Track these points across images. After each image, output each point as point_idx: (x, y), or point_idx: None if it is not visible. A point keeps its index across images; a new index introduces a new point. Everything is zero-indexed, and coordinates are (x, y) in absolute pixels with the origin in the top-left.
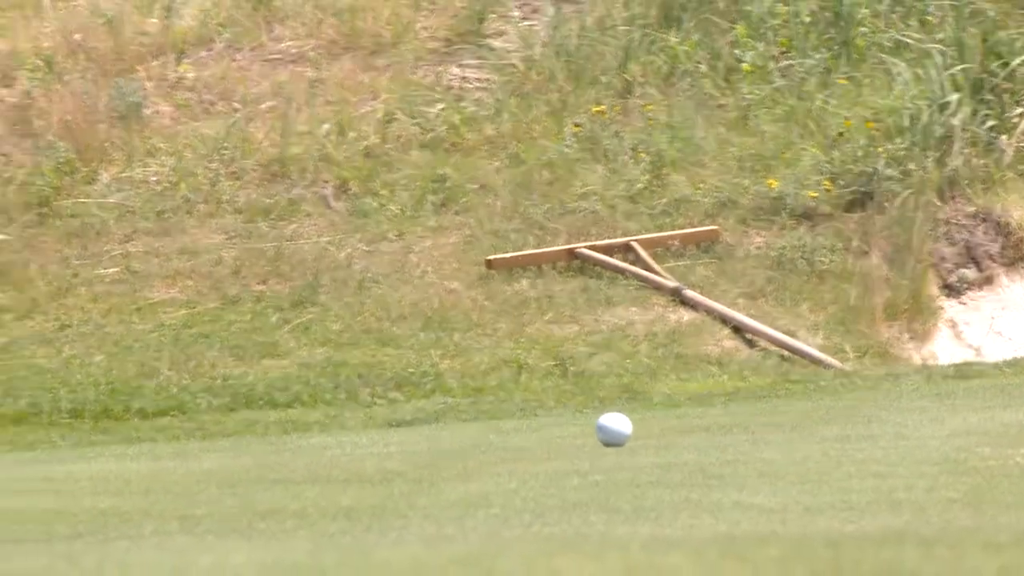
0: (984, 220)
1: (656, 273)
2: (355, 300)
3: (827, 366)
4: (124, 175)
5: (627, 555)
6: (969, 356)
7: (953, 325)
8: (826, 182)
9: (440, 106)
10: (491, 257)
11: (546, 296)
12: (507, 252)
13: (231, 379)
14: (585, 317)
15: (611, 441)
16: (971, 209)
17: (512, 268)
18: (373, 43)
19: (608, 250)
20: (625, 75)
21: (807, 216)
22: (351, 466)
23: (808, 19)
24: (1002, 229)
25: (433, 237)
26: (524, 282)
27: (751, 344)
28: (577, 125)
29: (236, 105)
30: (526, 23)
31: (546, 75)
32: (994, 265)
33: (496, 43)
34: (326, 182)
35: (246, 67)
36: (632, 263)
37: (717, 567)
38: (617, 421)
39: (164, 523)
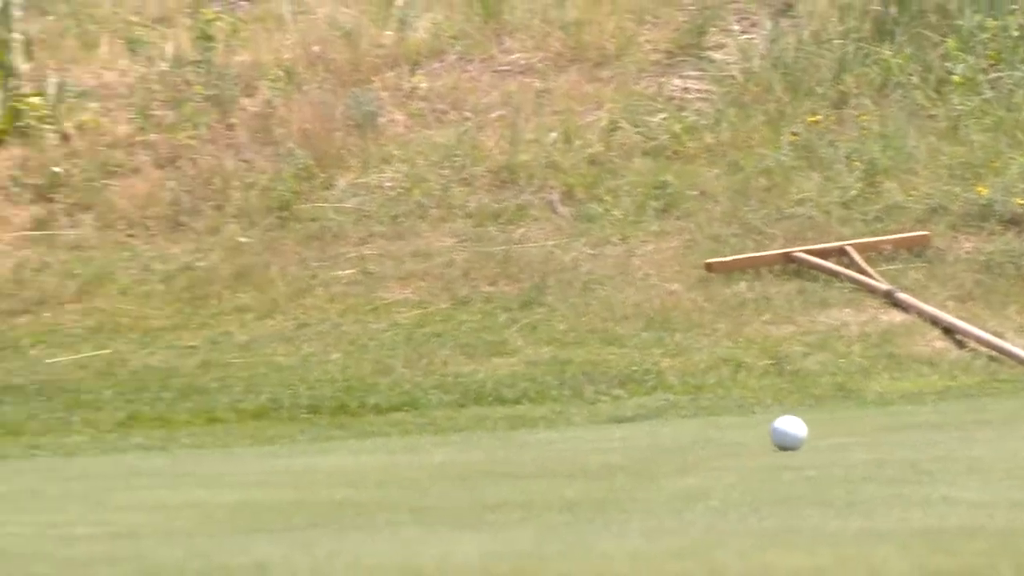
0: None
1: (869, 276)
2: (580, 301)
3: None
4: (360, 181)
5: (838, 548)
6: None
7: None
8: None
9: (662, 116)
10: (710, 260)
11: (763, 298)
12: (726, 256)
13: (461, 376)
14: (801, 318)
15: (786, 444)
16: None
17: (731, 271)
18: (598, 55)
19: (823, 254)
20: (840, 86)
21: (1015, 222)
22: (575, 460)
23: (1016, 33)
24: None
25: (655, 241)
26: (742, 284)
27: (961, 345)
28: (794, 134)
29: (467, 114)
30: (745, 37)
31: (764, 86)
32: None
33: (716, 55)
34: (552, 188)
35: (477, 78)
36: (846, 267)
37: (925, 560)
38: (792, 424)
39: (396, 514)
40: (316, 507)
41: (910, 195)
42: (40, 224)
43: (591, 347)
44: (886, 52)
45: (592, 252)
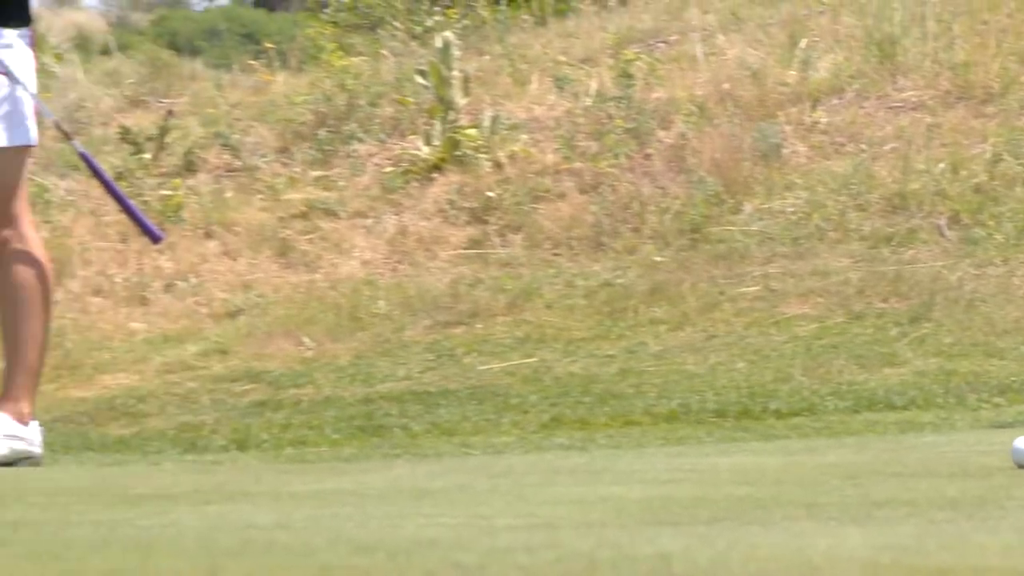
0: None
1: None
2: (964, 317)
3: None
4: (765, 206)
5: None
6: None
7: None
8: None
9: None
10: None
11: None
12: None
13: (855, 384)
14: None
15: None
16: None
17: None
18: (983, 93)
19: None
20: None
21: None
22: (958, 462)
23: None
24: None
25: None
26: None
27: None
28: None
29: (863, 146)
30: None
31: None
32: None
33: None
34: (940, 214)
35: (872, 113)
36: None
37: None
38: None
39: (792, 510)
40: (718, 502)
41: None
42: (474, 244)
43: (974, 359)
44: None
45: (976, 272)
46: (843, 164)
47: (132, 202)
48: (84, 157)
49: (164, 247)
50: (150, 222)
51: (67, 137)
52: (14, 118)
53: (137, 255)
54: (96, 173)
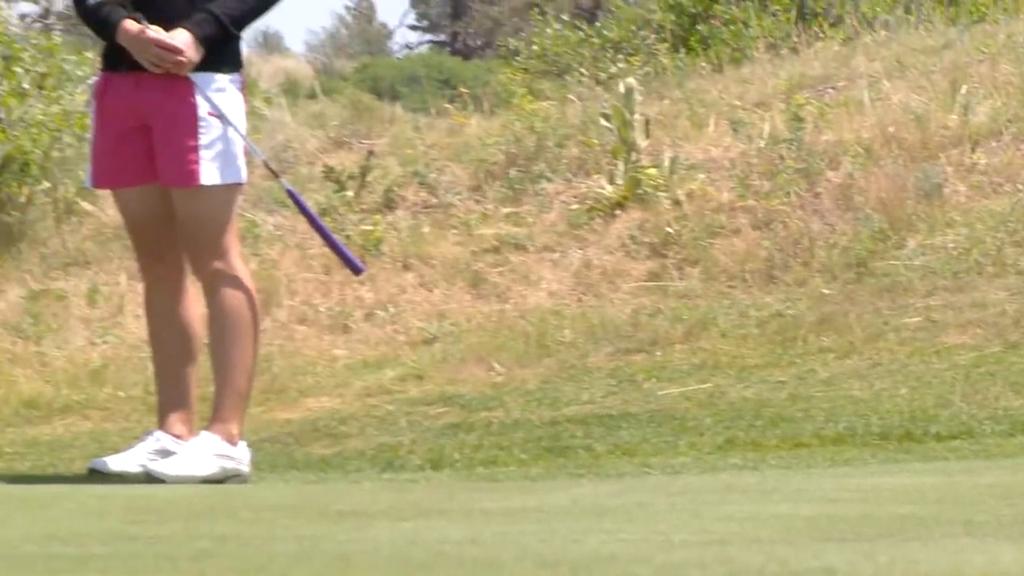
0: None
1: None
2: None
3: None
4: (926, 242)
5: None
6: None
7: None
8: None
9: None
10: None
11: None
12: None
13: (1011, 410)
14: None
15: None
16: None
17: None
18: None
19: None
20: None
21: None
22: None
23: None
24: None
25: None
26: None
27: None
28: None
29: (1019, 186)
30: None
31: None
32: None
33: None
34: None
35: None
36: None
37: None
38: None
39: (950, 528)
40: (881, 520)
41: None
42: (654, 276)
43: None
44: None
45: None
46: (1001, 203)
47: (335, 236)
48: (291, 194)
49: (365, 278)
50: (352, 255)
51: (275, 175)
52: (226, 157)
53: (340, 286)
54: (302, 209)
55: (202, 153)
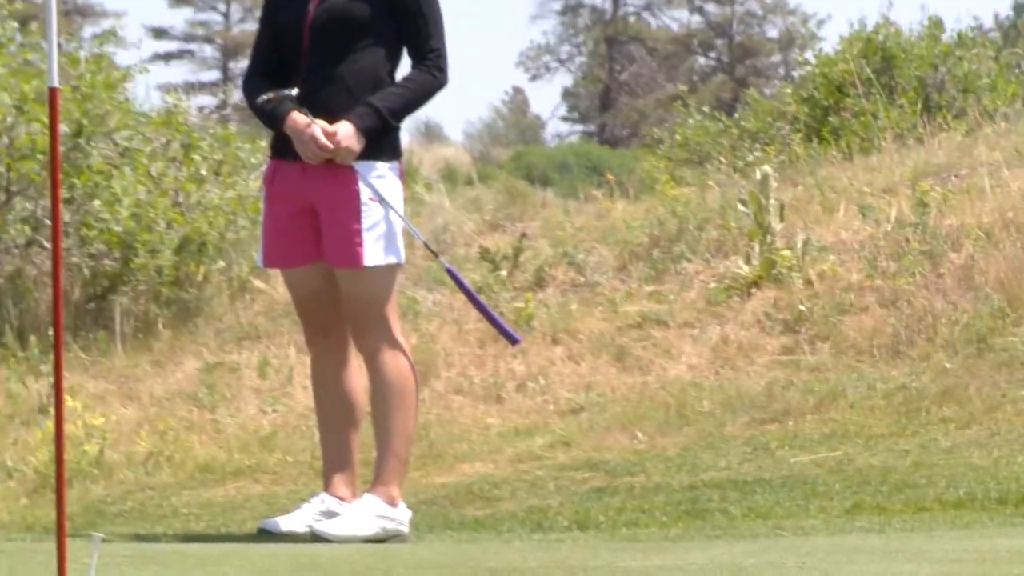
0: None
1: None
2: None
3: None
4: None
5: None
6: None
7: None
8: None
9: None
10: None
11: None
12: None
13: None
14: None
15: None
16: None
17: None
18: None
19: None
20: None
21: None
22: None
23: None
24: None
25: None
26: None
27: None
28: None
29: None
30: None
31: None
32: None
33: None
34: None
35: None
36: None
37: None
38: None
39: None
40: None
41: None
42: (787, 351)
43: None
44: None
45: None
46: None
47: (492, 310)
48: (450, 272)
49: (516, 352)
50: (508, 327)
51: (435, 255)
52: (387, 240)
53: (493, 359)
54: (460, 286)
55: (365, 236)
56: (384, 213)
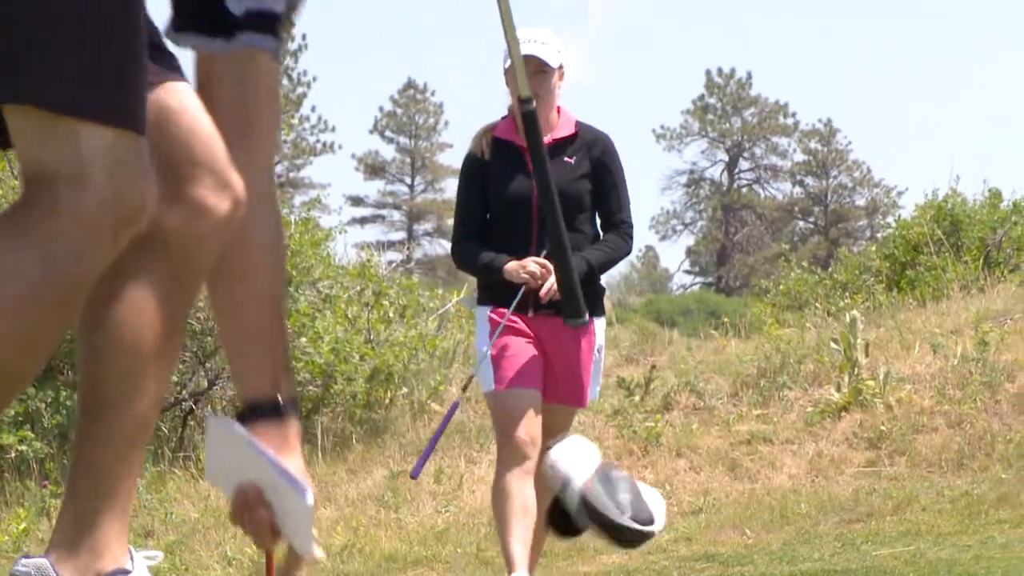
0: None
1: None
2: None
3: None
4: None
5: None
6: None
7: None
8: None
9: None
10: None
11: None
12: None
13: None
14: None
15: None
16: None
17: None
18: None
19: None
20: None
21: None
22: None
23: None
24: None
25: None
26: None
27: None
28: None
29: None
30: None
31: None
32: None
33: None
34: None
35: None
36: None
37: None
38: None
39: None
40: None
41: None
42: (870, 463)
43: None
44: None
45: None
46: None
47: (431, 448)
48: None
49: (647, 463)
50: (420, 464)
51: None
52: (596, 380)
53: (628, 469)
54: (445, 419)
55: (589, 380)
56: (598, 359)
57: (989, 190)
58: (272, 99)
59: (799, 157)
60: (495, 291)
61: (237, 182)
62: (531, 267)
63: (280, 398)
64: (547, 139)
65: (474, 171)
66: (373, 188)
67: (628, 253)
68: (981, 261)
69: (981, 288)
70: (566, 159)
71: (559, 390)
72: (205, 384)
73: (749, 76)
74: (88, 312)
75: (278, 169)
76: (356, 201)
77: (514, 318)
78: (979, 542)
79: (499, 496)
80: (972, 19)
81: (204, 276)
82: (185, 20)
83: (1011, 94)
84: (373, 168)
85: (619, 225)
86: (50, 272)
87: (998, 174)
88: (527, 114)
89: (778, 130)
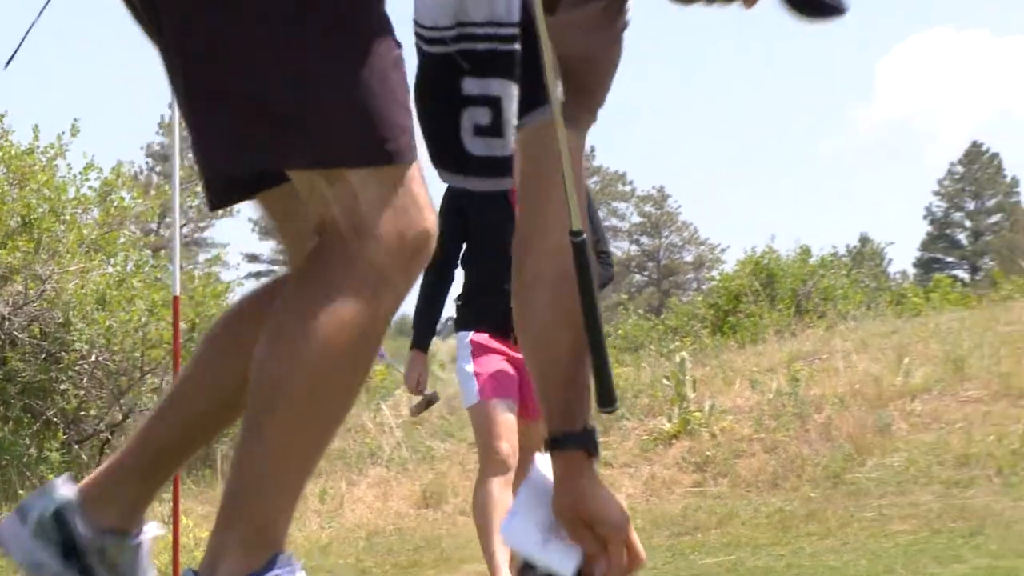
0: None
1: None
2: (1006, 533)
3: None
4: (880, 462)
5: None
6: None
7: None
8: None
9: None
10: None
11: None
12: None
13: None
14: None
15: None
16: None
17: None
18: (1018, 391)
19: None
20: None
21: None
22: None
23: None
24: None
25: None
26: None
27: None
28: None
29: (943, 425)
30: None
31: None
32: None
33: None
34: (990, 467)
35: (948, 404)
36: None
37: None
38: None
39: None
40: None
41: None
42: (697, 484)
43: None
44: None
45: (1013, 504)
46: (930, 436)
47: None
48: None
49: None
50: None
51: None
52: None
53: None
54: None
55: None
56: None
57: (800, 247)
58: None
59: (635, 219)
60: (474, 316)
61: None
62: (409, 382)
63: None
64: None
65: (453, 199)
66: (267, 247)
67: (611, 280)
68: (793, 309)
69: (793, 332)
70: None
71: (531, 408)
72: (120, 417)
73: (592, 149)
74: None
75: (184, 230)
76: (252, 258)
77: (494, 340)
78: (791, 552)
79: (482, 504)
80: (783, 102)
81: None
82: (431, 155)
83: (820, 163)
84: (267, 229)
85: (599, 255)
86: (362, 318)
87: (808, 233)
88: (578, 245)
89: (617, 196)
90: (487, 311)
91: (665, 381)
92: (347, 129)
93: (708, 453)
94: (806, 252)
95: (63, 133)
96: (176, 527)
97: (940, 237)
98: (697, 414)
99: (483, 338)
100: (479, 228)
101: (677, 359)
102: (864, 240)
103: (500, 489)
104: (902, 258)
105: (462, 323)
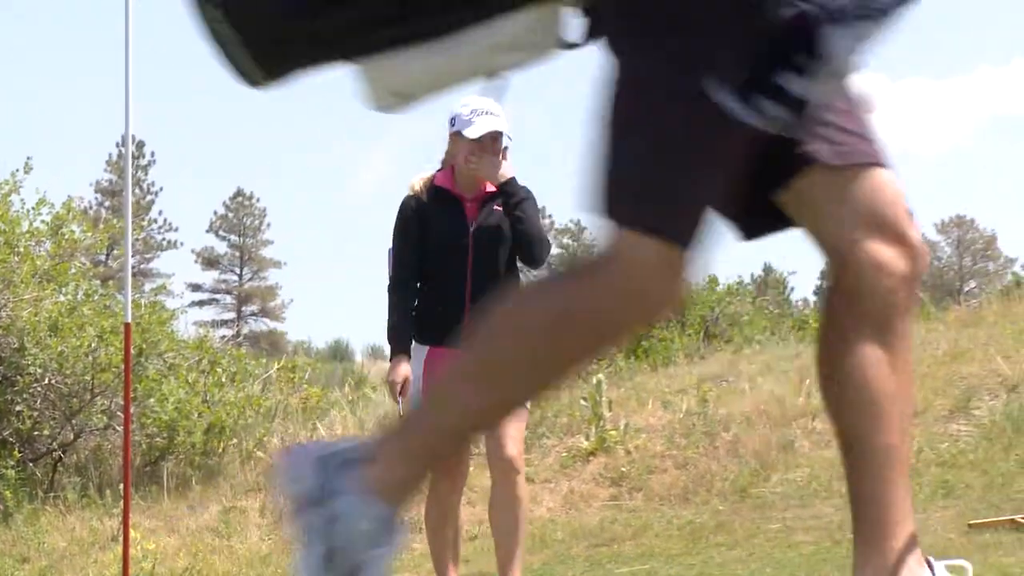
0: None
1: None
2: None
3: None
4: (784, 477)
5: None
6: None
7: None
8: None
9: None
10: None
11: None
12: None
13: None
14: None
15: None
16: None
17: None
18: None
19: None
20: None
21: None
22: None
23: None
24: None
25: None
26: None
27: None
28: None
29: None
30: None
31: None
32: None
33: None
34: None
35: None
36: None
37: None
38: None
39: None
40: None
41: None
42: (613, 498)
43: None
44: None
45: None
46: (830, 452)
47: None
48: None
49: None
50: None
51: None
52: None
53: None
54: None
55: None
56: None
57: (708, 276)
58: None
59: (554, 250)
60: (431, 330)
61: (915, 239)
62: (392, 387)
63: None
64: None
65: (412, 212)
66: (209, 277)
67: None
68: (702, 334)
69: (702, 356)
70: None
71: None
72: (72, 436)
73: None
74: (825, 366)
75: (132, 260)
76: (195, 287)
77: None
78: (701, 561)
79: (432, 512)
80: None
81: (906, 322)
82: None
83: None
84: (209, 260)
85: (540, 262)
86: (588, 315)
87: (715, 262)
88: None
89: None
90: (442, 323)
91: (583, 402)
92: (650, 202)
93: (623, 469)
94: (714, 281)
95: (17, 170)
96: (126, 539)
97: None
98: (613, 432)
99: (439, 355)
100: (436, 240)
101: (594, 381)
102: (768, 269)
103: (447, 496)
104: (803, 286)
105: (419, 336)
